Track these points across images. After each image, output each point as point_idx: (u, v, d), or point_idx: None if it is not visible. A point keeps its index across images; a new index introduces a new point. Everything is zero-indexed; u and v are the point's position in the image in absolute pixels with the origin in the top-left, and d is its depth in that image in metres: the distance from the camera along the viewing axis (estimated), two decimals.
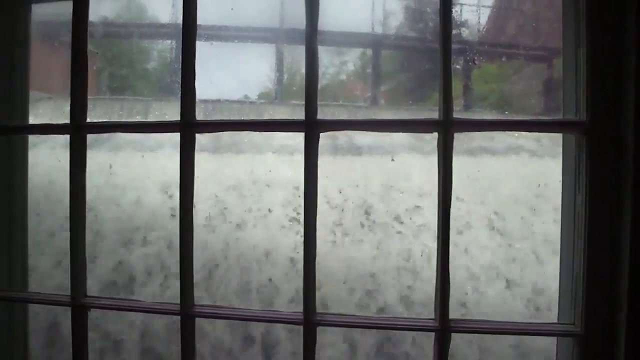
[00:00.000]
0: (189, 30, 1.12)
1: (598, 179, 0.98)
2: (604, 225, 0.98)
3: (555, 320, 1.11)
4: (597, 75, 0.96)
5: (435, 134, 1.03)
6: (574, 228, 1.05)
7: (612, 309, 0.98)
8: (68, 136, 1.19)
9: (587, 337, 1.00)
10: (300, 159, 1.06)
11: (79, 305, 1.19)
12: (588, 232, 0.99)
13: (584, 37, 0.98)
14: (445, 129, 1.01)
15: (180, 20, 1.11)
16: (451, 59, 1.03)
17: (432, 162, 1.05)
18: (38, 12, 1.43)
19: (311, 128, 1.05)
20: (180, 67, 1.12)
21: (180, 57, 1.12)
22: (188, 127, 1.11)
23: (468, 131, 1.06)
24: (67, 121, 1.19)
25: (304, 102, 1.05)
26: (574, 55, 1.04)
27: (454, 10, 1.03)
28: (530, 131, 1.05)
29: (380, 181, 4.46)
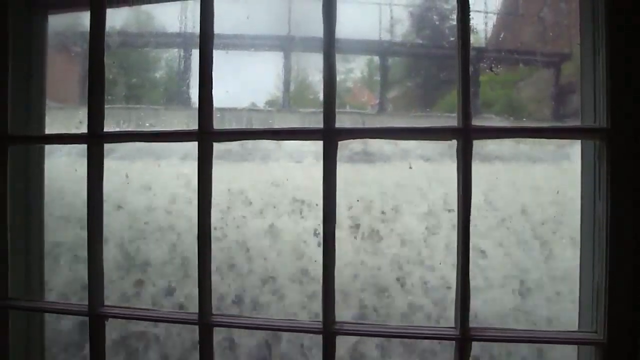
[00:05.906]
0: (205, 39, 1.12)
1: (619, 185, 0.97)
2: (626, 232, 0.97)
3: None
4: (618, 81, 0.96)
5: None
6: (594, 235, 1.04)
7: (635, 317, 0.97)
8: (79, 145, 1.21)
9: (610, 346, 0.99)
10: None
11: (97, 314, 1.19)
12: (610, 239, 0.98)
13: (603, 42, 0.97)
14: (465, 137, 1.00)
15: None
16: (469, 66, 1.03)
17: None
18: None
19: (330, 136, 1.04)
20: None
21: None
22: (206, 136, 1.12)
23: (487, 138, 1.06)
24: (79, 131, 1.21)
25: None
26: (592, 61, 1.04)
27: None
28: (550, 138, 1.04)
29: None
